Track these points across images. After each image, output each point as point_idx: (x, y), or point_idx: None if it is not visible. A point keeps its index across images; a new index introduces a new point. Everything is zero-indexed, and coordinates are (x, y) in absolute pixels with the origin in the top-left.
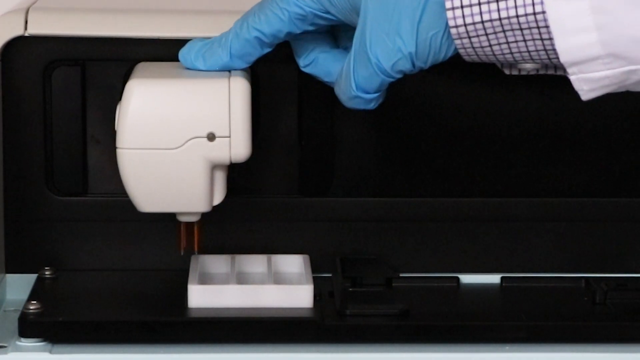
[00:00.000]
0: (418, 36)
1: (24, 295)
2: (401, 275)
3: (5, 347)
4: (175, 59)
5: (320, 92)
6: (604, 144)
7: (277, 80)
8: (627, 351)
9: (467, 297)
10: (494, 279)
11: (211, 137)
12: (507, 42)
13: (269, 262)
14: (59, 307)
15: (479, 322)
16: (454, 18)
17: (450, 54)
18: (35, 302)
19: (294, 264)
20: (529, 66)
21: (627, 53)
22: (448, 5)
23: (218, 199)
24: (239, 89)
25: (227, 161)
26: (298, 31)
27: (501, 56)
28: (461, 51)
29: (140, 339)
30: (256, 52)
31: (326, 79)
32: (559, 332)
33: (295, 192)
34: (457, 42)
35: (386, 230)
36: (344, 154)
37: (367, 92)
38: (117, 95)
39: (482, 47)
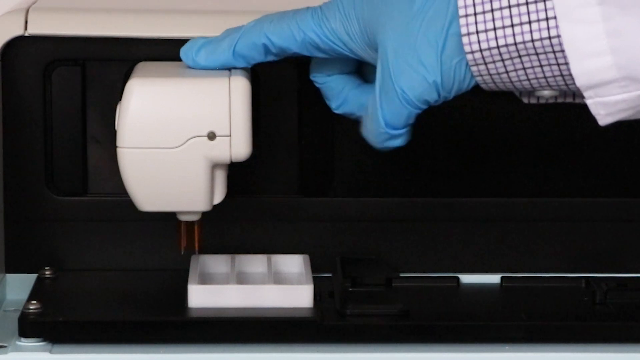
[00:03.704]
0: (442, 65)
1: (24, 295)
2: (401, 275)
3: (5, 347)
4: (175, 58)
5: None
6: (604, 144)
7: (277, 80)
8: (627, 351)
9: (467, 297)
10: (494, 279)
11: (211, 136)
12: (524, 68)
13: (269, 262)
14: (59, 307)
15: (479, 322)
16: (470, 44)
17: (474, 82)
18: (35, 302)
19: (294, 264)
20: (546, 93)
21: None
22: (463, 31)
23: (218, 198)
24: (240, 88)
25: (227, 160)
26: (309, 54)
27: (518, 83)
28: (478, 79)
29: (140, 339)
30: (259, 57)
31: (360, 113)
32: (559, 332)
33: (295, 192)
34: (474, 68)
35: (386, 230)
36: (344, 154)
37: (395, 128)
38: (117, 95)
39: (498, 73)
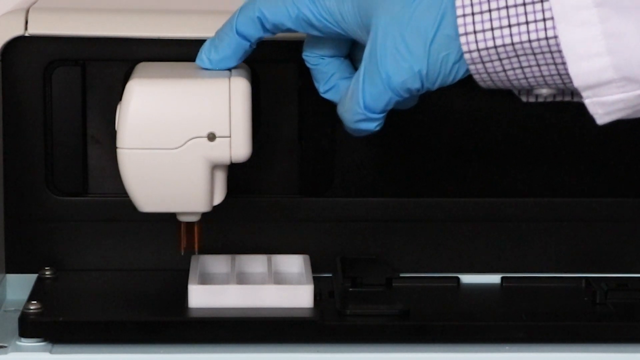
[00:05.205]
0: (429, 56)
1: (24, 295)
2: (401, 275)
3: (5, 347)
4: (175, 59)
5: None
6: (604, 144)
7: (277, 80)
8: (627, 351)
9: (467, 297)
10: (494, 279)
11: (211, 137)
12: (521, 67)
13: (269, 262)
14: (59, 307)
15: (479, 322)
16: (467, 43)
17: (459, 77)
18: (35, 302)
19: (294, 264)
20: (544, 91)
21: None
22: (461, 30)
23: (218, 199)
24: (240, 89)
25: (227, 161)
26: (303, 31)
27: (516, 81)
28: (476, 77)
29: (140, 339)
30: (259, 33)
31: None
32: (559, 332)
33: (295, 192)
34: (472, 67)
35: (386, 230)
36: (344, 154)
37: (373, 112)
38: (117, 95)
39: (496, 72)
